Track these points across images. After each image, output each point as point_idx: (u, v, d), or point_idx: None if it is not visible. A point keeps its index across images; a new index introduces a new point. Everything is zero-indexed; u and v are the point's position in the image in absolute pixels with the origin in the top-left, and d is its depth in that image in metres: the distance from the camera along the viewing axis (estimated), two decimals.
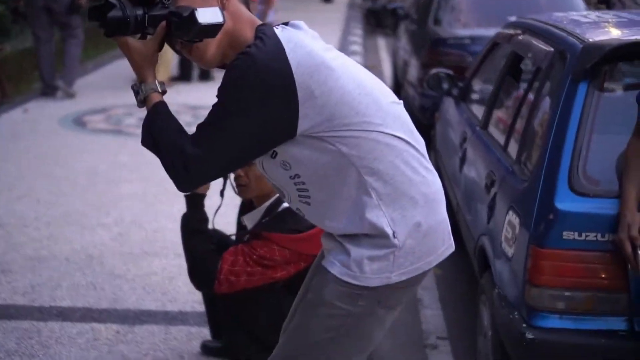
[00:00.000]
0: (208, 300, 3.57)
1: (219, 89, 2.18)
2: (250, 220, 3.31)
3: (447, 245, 2.37)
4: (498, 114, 4.30)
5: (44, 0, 8.98)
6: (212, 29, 2.18)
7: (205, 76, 10.31)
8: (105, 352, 3.74)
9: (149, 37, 2.28)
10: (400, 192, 2.25)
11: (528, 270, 2.93)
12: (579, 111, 3.05)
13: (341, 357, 2.34)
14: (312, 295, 2.36)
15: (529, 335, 2.90)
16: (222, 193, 3.29)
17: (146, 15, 2.21)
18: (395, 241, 2.24)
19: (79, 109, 8.77)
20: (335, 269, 2.28)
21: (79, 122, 8.25)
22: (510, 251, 3.15)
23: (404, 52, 9.23)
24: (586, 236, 2.85)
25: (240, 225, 3.47)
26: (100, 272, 4.62)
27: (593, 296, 2.89)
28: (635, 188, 2.81)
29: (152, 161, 2.22)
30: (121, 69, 10.32)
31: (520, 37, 4.25)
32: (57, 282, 4.47)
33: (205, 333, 3.84)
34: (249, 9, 2.31)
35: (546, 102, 3.37)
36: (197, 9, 2.14)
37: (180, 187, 2.27)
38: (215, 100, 2.18)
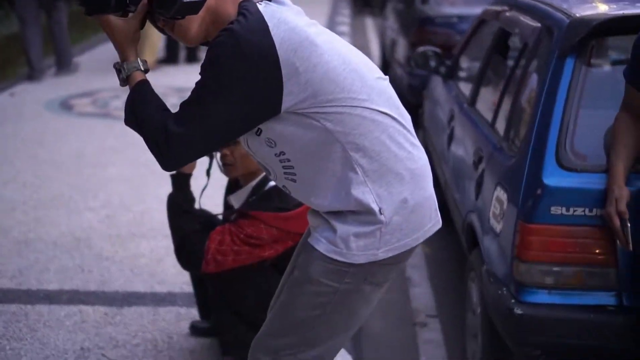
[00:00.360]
0: (196, 280, 3.55)
1: (202, 66, 2.15)
2: (237, 200, 3.29)
3: (434, 222, 2.36)
4: (485, 90, 4.29)
5: None
6: (194, 6, 2.15)
7: (192, 58, 10.25)
8: (93, 335, 3.72)
9: (130, 15, 2.25)
10: (386, 168, 2.23)
11: (516, 246, 2.92)
12: (566, 86, 3.03)
13: (328, 334, 2.34)
14: (298, 273, 2.35)
15: (518, 311, 2.90)
16: (208, 172, 3.27)
17: None
18: (382, 217, 2.22)
19: (65, 92, 8.71)
20: (322, 246, 2.26)
21: (66, 105, 8.20)
22: (498, 227, 3.14)
23: (392, 32, 9.20)
24: (574, 211, 2.84)
25: (227, 205, 3.45)
26: (88, 254, 4.60)
27: (581, 271, 2.88)
28: (623, 162, 2.80)
29: (139, 143, 2.20)
30: (108, 52, 10.24)
31: (507, 14, 4.23)
32: (44, 265, 4.45)
33: (193, 314, 3.82)
34: None
35: (533, 78, 3.35)
36: None
37: (164, 166, 2.25)
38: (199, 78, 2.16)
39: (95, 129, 7.28)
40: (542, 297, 2.90)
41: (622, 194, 2.76)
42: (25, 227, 4.99)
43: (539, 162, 2.94)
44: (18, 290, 4.16)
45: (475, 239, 3.51)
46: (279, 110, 2.15)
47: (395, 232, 2.25)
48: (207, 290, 3.39)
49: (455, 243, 4.48)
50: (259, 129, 2.22)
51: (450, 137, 4.47)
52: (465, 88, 4.65)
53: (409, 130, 2.31)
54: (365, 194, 2.21)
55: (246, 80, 2.11)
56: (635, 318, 2.83)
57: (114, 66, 2.31)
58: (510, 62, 3.98)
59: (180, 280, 4.19)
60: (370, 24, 15.31)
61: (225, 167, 3.25)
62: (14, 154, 6.51)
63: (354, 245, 2.23)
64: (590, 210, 2.84)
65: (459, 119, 4.39)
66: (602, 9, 3.58)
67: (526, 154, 3.03)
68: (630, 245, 2.74)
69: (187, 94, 2.18)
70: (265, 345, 2.38)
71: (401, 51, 8.03)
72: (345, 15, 15.52)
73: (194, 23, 2.21)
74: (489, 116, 3.87)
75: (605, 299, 2.89)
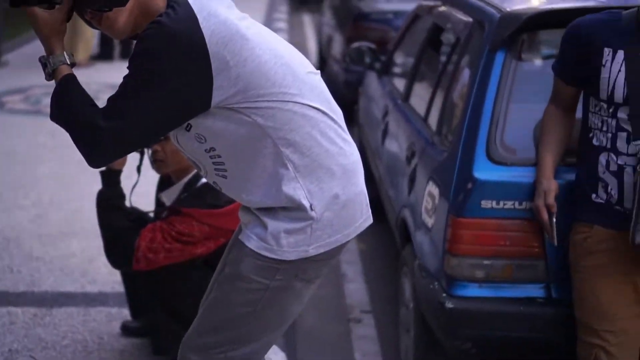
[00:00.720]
0: (127, 279, 3.50)
1: (130, 60, 2.11)
2: (168, 197, 3.24)
3: (365, 217, 2.35)
4: (419, 86, 4.30)
5: None
6: None
7: (127, 54, 10.11)
8: (21, 336, 3.64)
9: (57, 7, 2.20)
10: (317, 163, 2.22)
11: (447, 240, 2.94)
12: (496, 80, 3.05)
13: (260, 330, 2.32)
14: (229, 270, 2.33)
15: (449, 305, 2.91)
16: (138, 169, 3.23)
17: None
18: (313, 214, 2.21)
19: None
20: (252, 243, 2.25)
21: None
22: (430, 222, 3.15)
23: (328, 28, 9.20)
24: (504, 204, 2.87)
25: (158, 202, 3.40)
26: (18, 254, 4.50)
27: (511, 264, 2.91)
28: (552, 155, 2.83)
29: (71, 142, 2.15)
30: (41, 49, 10.05)
31: (440, 9, 4.25)
32: None
33: (125, 314, 3.76)
34: None
35: (465, 73, 3.38)
36: None
37: (91, 162, 2.21)
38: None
39: (26, 126, 7.13)
40: (473, 290, 2.92)
41: (551, 187, 2.79)
42: None
43: (470, 157, 2.95)
44: None
45: (408, 234, 3.52)
46: (209, 105, 2.13)
47: (327, 228, 2.24)
48: (139, 289, 3.34)
49: (389, 239, 4.49)
50: (188, 124, 2.19)
51: (385, 133, 4.48)
52: (400, 83, 4.67)
53: (340, 126, 2.30)
54: (296, 189, 2.20)
55: (174, 73, 2.08)
56: (563, 310, 2.87)
57: (40, 60, 2.26)
58: (443, 58, 4.00)
59: (112, 279, 4.12)
60: (308, 21, 15.29)
61: (156, 163, 3.20)
62: None
63: (284, 242, 2.21)
64: (520, 204, 2.86)
65: (392, 115, 4.40)
66: (534, 3, 3.62)
67: (457, 148, 3.05)
68: (556, 240, 2.77)
69: None
70: (196, 344, 2.35)
71: (337, 47, 8.04)
72: (282, 12, 15.47)
73: (122, 15, 2.16)
74: (422, 111, 3.88)
75: (535, 291, 2.92)
